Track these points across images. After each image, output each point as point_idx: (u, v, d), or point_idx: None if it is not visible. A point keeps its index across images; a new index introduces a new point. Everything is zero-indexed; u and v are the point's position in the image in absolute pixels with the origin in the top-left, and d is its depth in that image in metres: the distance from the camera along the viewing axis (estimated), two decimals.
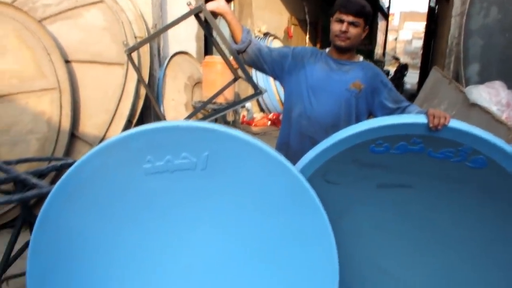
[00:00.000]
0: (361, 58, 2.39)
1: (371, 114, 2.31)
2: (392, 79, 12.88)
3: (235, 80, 3.71)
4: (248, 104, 6.86)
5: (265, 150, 1.65)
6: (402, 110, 2.14)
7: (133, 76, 4.07)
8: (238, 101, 4.00)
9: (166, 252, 1.83)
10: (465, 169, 1.71)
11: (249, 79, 2.82)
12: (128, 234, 1.77)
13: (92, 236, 1.74)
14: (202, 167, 1.65)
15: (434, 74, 4.04)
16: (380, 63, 15.75)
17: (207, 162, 1.65)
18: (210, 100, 3.86)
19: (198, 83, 5.68)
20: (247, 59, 2.43)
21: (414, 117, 1.74)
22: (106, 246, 1.76)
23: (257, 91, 3.31)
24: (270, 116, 8.72)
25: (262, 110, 9.32)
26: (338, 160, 1.85)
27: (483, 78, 3.35)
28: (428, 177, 1.84)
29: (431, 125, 1.62)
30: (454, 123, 1.65)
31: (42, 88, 3.62)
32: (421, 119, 1.67)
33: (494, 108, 2.78)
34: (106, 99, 3.83)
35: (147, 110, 4.33)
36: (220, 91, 3.70)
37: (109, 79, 4.00)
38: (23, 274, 2.71)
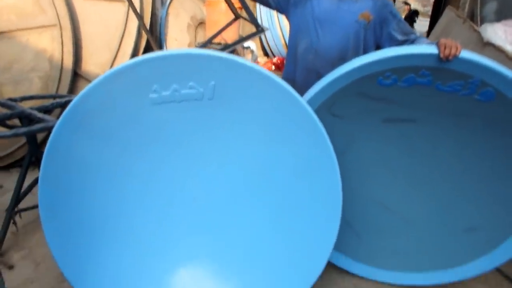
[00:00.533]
0: None
1: (378, 48, 2.25)
2: None
3: (236, 19, 3.61)
4: (253, 46, 6.72)
5: (273, 79, 1.63)
6: (411, 42, 2.08)
7: None
8: (241, 39, 3.92)
9: (174, 182, 1.88)
10: (473, 102, 1.71)
11: (251, 18, 2.73)
12: (136, 164, 1.80)
13: (100, 166, 1.77)
14: (209, 97, 1.65)
15: (448, 14, 3.89)
16: None
17: (214, 92, 1.64)
18: (211, 39, 3.78)
19: (201, 24, 5.52)
20: None
21: (424, 48, 1.70)
22: (114, 175, 1.80)
23: (259, 29, 3.23)
24: (275, 60, 8.55)
25: (266, 54, 9.12)
26: (344, 93, 1.84)
27: (500, 17, 3.22)
28: (433, 112, 1.84)
29: (442, 55, 1.58)
30: (465, 54, 1.62)
31: (42, 25, 3.53)
32: (432, 49, 1.64)
33: (509, 47, 2.69)
34: (108, 37, 3.75)
35: (150, 50, 4.24)
36: (222, 30, 3.61)
37: (110, 16, 3.87)
38: (34, 207, 2.80)
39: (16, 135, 2.25)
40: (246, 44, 6.27)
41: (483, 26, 2.96)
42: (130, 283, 1.92)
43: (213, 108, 1.68)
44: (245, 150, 1.80)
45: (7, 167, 3.84)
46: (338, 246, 2.17)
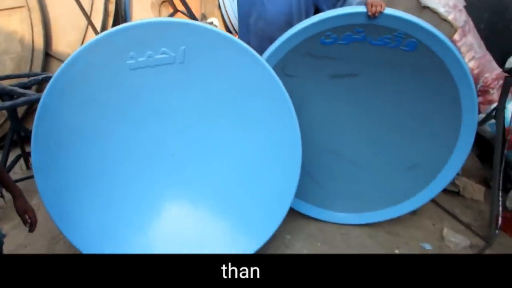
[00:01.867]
0: None
1: (317, 11, 2.52)
2: None
3: (175, 12, 3.84)
4: (215, 21, 6.89)
5: (236, 42, 1.89)
6: (344, 1, 2.33)
7: None
8: None
9: (153, 140, 2.10)
10: (400, 53, 2.03)
11: (189, 13, 3.00)
12: (117, 125, 2.02)
13: (84, 128, 1.97)
14: (180, 61, 1.89)
15: None
16: None
17: (184, 56, 1.87)
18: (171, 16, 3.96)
19: (164, 2, 5.61)
20: None
21: (355, 8, 2.01)
22: (97, 136, 2.01)
23: None
24: (237, 37, 8.72)
25: (229, 31, 9.27)
26: (294, 54, 2.13)
27: None
28: (371, 65, 2.15)
29: (369, 13, 1.90)
30: (389, 10, 1.94)
31: (10, 7, 3.63)
32: (361, 8, 1.95)
33: (442, 10, 3.03)
34: (76, 17, 3.84)
35: None
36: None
37: None
38: (18, 180, 2.94)
39: (2, 109, 2.42)
40: (209, 19, 6.44)
41: None
42: (118, 231, 2.12)
43: (184, 70, 1.90)
44: (214, 107, 2.03)
45: None
46: (301, 195, 2.48)
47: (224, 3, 7.57)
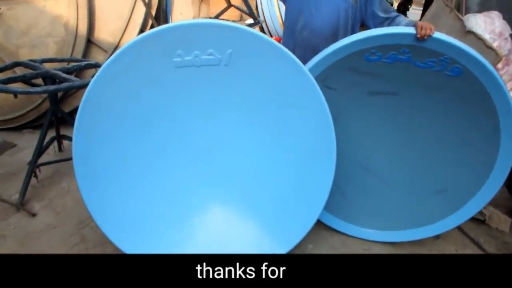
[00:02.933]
0: None
1: (363, 25, 2.53)
2: None
3: (228, 7, 3.86)
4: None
5: (282, 50, 1.90)
6: (392, 20, 2.34)
7: None
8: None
9: (190, 136, 2.14)
10: (444, 77, 2.02)
11: (249, 10, 3.00)
12: (157, 119, 2.06)
13: (126, 120, 2.02)
14: (225, 63, 1.91)
15: (437, 3, 4.19)
16: None
17: (230, 59, 1.90)
18: (217, 17, 4.03)
19: None
20: None
21: (404, 28, 2.01)
22: (138, 128, 2.05)
23: (255, 21, 3.44)
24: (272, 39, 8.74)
25: (263, 32, 9.31)
26: (337, 67, 2.13)
27: (482, 9, 3.51)
28: (412, 85, 2.14)
29: (418, 35, 1.89)
30: (438, 35, 1.93)
31: None
32: (410, 30, 1.94)
33: (487, 36, 2.98)
34: (119, 6, 3.95)
35: (157, 21, 4.45)
36: (220, 14, 3.87)
37: None
38: (49, 163, 3.03)
39: (46, 92, 2.49)
40: (247, 21, 6.52)
41: (467, 16, 3.25)
42: (147, 222, 2.17)
43: (228, 72, 1.93)
44: (254, 111, 2.05)
45: (19, 128, 4.05)
46: (328, 207, 2.46)
47: (262, 6, 7.65)
